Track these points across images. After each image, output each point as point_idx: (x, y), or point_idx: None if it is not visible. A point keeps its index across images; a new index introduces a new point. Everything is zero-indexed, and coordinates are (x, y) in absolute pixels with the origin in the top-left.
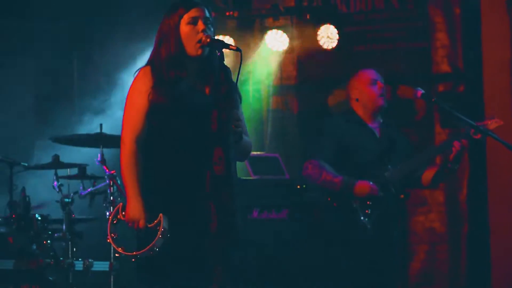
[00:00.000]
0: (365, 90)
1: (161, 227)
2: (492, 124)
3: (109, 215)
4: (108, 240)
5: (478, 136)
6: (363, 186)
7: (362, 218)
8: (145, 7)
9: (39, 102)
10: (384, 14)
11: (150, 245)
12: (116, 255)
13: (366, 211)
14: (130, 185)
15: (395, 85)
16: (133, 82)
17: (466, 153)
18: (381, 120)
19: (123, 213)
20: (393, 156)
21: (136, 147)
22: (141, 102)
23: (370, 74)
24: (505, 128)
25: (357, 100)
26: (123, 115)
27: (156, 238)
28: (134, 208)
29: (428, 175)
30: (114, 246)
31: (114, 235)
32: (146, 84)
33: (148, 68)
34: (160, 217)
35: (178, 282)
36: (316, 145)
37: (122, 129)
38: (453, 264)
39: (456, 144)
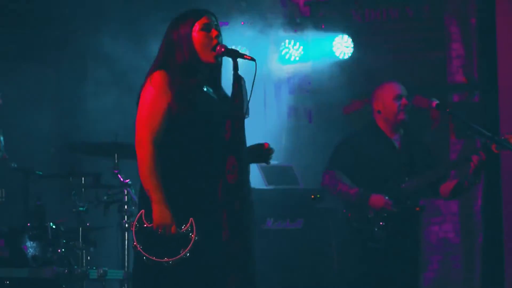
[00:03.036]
0: (388, 104)
1: (194, 233)
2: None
3: (132, 224)
4: (138, 249)
5: (497, 151)
6: (378, 200)
7: (376, 229)
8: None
9: (56, 111)
10: (399, 24)
11: (185, 250)
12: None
13: (381, 223)
14: (155, 189)
15: (409, 95)
16: (152, 84)
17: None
18: (402, 132)
19: (147, 220)
20: (412, 168)
21: (156, 150)
22: (163, 106)
23: (396, 88)
24: None
25: (379, 112)
26: (140, 116)
27: (191, 243)
28: (163, 214)
29: (447, 187)
30: (146, 254)
31: (140, 243)
32: (167, 89)
33: (165, 72)
34: (192, 221)
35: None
36: (335, 155)
37: (139, 130)
38: (467, 274)
39: (475, 158)
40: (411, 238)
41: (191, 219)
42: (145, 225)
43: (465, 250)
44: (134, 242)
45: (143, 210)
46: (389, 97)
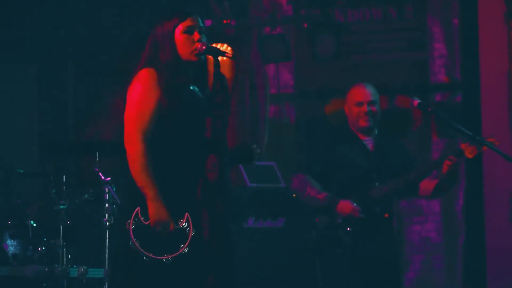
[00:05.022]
0: (351, 109)
1: (191, 228)
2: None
3: (128, 222)
4: (136, 246)
5: (470, 156)
6: (345, 206)
7: (343, 235)
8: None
9: (37, 109)
10: (382, 24)
11: (184, 246)
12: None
13: (348, 228)
14: (149, 186)
15: (392, 94)
16: (139, 81)
17: (463, 165)
18: (376, 133)
19: (142, 218)
20: (384, 171)
21: (146, 146)
22: (152, 103)
23: (359, 94)
24: (502, 138)
25: (346, 115)
26: (128, 114)
27: (189, 238)
28: (160, 210)
29: (428, 186)
30: (144, 252)
31: (137, 241)
32: (156, 86)
33: (153, 70)
34: (188, 217)
35: (174, 284)
36: (304, 159)
37: (128, 128)
38: (448, 274)
39: (446, 162)
40: (381, 244)
41: (186, 214)
42: (142, 223)
43: (447, 249)
44: (131, 240)
45: (138, 208)
46: (351, 102)
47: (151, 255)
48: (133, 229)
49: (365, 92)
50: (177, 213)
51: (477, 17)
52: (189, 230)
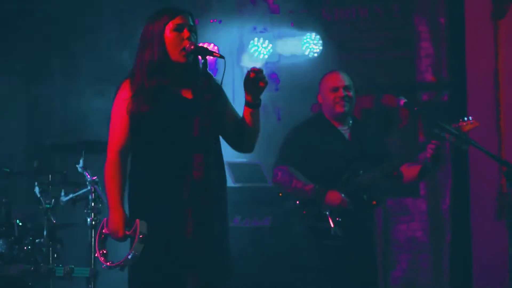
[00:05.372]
0: (326, 96)
1: (137, 233)
2: (467, 125)
3: (96, 233)
4: (98, 256)
5: (454, 140)
6: (333, 197)
7: (332, 226)
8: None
9: (24, 108)
10: (368, 22)
11: (129, 252)
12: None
13: (337, 218)
14: (111, 196)
15: (378, 93)
16: (118, 93)
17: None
18: (351, 122)
19: (107, 227)
20: (365, 159)
21: (118, 157)
22: (122, 114)
23: (333, 79)
24: (489, 137)
25: (320, 104)
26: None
27: (134, 243)
28: (113, 219)
29: (412, 172)
30: (103, 262)
31: (104, 251)
32: (125, 95)
33: (128, 80)
34: (136, 222)
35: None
36: (284, 150)
37: (108, 140)
38: (435, 273)
39: (429, 146)
40: (366, 233)
41: (136, 220)
42: (104, 232)
43: (433, 249)
44: (96, 252)
45: (105, 219)
46: (326, 89)
47: (108, 263)
48: (99, 239)
49: (340, 77)
50: (163, 212)
51: (463, 16)
52: (135, 237)
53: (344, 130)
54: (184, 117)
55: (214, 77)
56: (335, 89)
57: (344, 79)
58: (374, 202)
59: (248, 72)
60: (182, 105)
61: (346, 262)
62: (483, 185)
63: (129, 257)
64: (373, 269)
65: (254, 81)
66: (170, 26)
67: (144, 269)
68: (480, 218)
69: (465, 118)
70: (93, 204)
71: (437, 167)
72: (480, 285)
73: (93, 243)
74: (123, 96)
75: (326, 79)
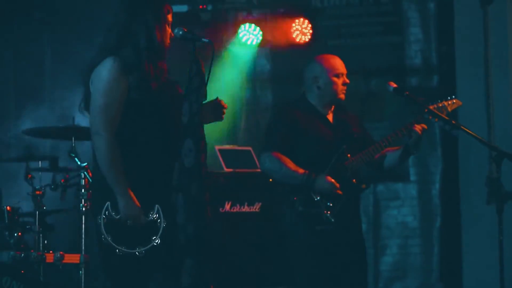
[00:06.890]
0: (329, 79)
1: (162, 219)
2: (451, 105)
3: (100, 217)
4: (108, 241)
5: (436, 120)
6: (324, 182)
7: (324, 211)
8: None
9: (14, 93)
10: (358, 8)
11: (156, 237)
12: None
13: (329, 203)
14: (118, 182)
15: (368, 79)
16: (106, 70)
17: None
18: (333, 107)
19: (113, 212)
20: (350, 142)
21: (114, 139)
22: (120, 93)
23: (339, 65)
24: (477, 123)
25: (318, 88)
26: (95, 105)
27: (161, 229)
28: (130, 205)
29: (393, 156)
30: (116, 246)
31: (109, 235)
32: (123, 75)
33: (119, 59)
34: (158, 208)
35: (149, 275)
36: (270, 136)
37: (95, 120)
38: (425, 258)
39: (415, 127)
40: (356, 217)
41: (157, 205)
42: (113, 217)
43: (423, 234)
44: (102, 235)
45: (108, 202)
46: (329, 73)
47: (123, 248)
48: (104, 224)
49: (342, 64)
50: (151, 199)
51: (453, 2)
52: (160, 222)
53: (328, 114)
54: (173, 103)
55: (202, 63)
56: (340, 75)
57: (343, 65)
58: (364, 186)
59: (219, 100)
60: (172, 91)
61: (337, 247)
62: (473, 170)
63: (158, 241)
64: (363, 254)
65: (220, 110)
66: (165, 10)
67: (156, 258)
68: (469, 203)
69: (448, 98)
70: (83, 190)
71: (416, 152)
72: (470, 269)
73: (83, 229)
74: (119, 73)
75: (330, 62)
